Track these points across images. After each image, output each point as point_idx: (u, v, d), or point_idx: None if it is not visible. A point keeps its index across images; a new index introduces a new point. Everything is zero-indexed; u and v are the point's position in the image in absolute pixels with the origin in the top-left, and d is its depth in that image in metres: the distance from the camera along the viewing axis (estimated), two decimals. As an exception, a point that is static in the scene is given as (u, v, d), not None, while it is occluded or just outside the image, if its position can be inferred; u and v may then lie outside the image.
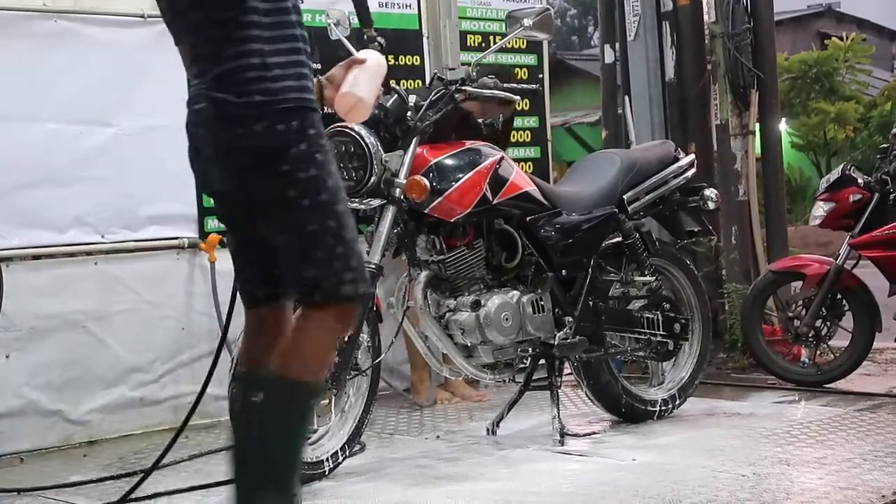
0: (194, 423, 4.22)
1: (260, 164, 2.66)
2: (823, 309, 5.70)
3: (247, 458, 2.73)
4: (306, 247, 2.68)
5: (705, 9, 6.65)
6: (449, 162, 4.32)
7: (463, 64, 5.50)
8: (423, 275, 4.33)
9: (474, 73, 4.43)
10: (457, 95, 4.35)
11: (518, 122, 6.10)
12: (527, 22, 4.55)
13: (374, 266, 4.05)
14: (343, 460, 4.17)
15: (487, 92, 4.42)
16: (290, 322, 2.85)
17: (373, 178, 4.15)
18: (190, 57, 2.76)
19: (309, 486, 4.00)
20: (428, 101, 4.31)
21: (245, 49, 2.65)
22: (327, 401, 4.09)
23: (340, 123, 4.10)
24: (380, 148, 4.17)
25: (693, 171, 5.04)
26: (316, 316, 2.71)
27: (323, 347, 2.78)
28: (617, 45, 6.98)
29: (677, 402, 5.03)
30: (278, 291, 2.85)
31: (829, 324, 5.75)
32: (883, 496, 3.57)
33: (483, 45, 6.07)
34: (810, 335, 5.73)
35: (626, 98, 6.81)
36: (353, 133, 4.14)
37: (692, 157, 5.14)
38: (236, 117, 2.65)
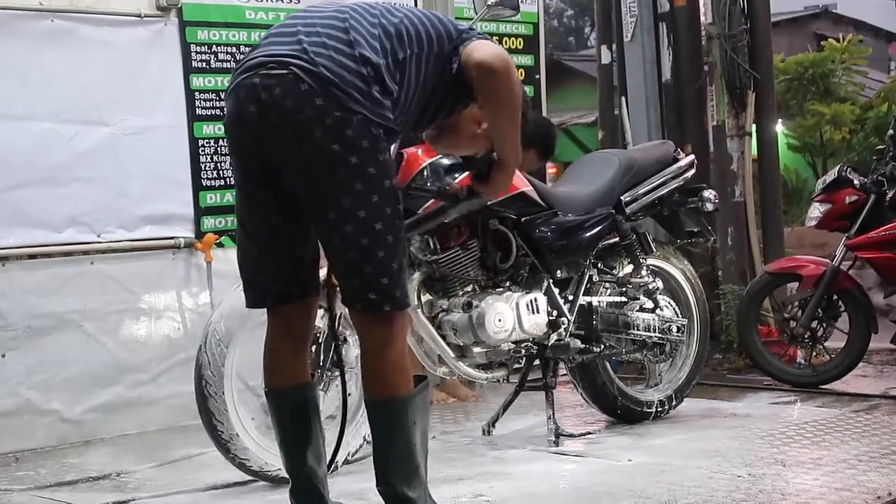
0: (193, 423, 4.21)
1: None
2: (819, 310, 5.71)
3: None
4: None
5: (702, 10, 6.66)
6: (444, 162, 4.30)
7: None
8: (417, 275, 4.31)
9: None
10: None
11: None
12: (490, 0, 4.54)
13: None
14: (342, 460, 4.16)
15: None
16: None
17: None
18: None
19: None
20: None
21: None
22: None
23: None
24: None
25: (693, 171, 5.00)
26: None
27: None
28: (614, 46, 6.99)
29: (674, 403, 5.02)
30: None
31: (825, 325, 5.77)
32: (878, 497, 3.57)
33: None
34: (806, 336, 5.74)
35: (623, 99, 6.81)
36: None
37: (692, 157, 5.08)
38: None
